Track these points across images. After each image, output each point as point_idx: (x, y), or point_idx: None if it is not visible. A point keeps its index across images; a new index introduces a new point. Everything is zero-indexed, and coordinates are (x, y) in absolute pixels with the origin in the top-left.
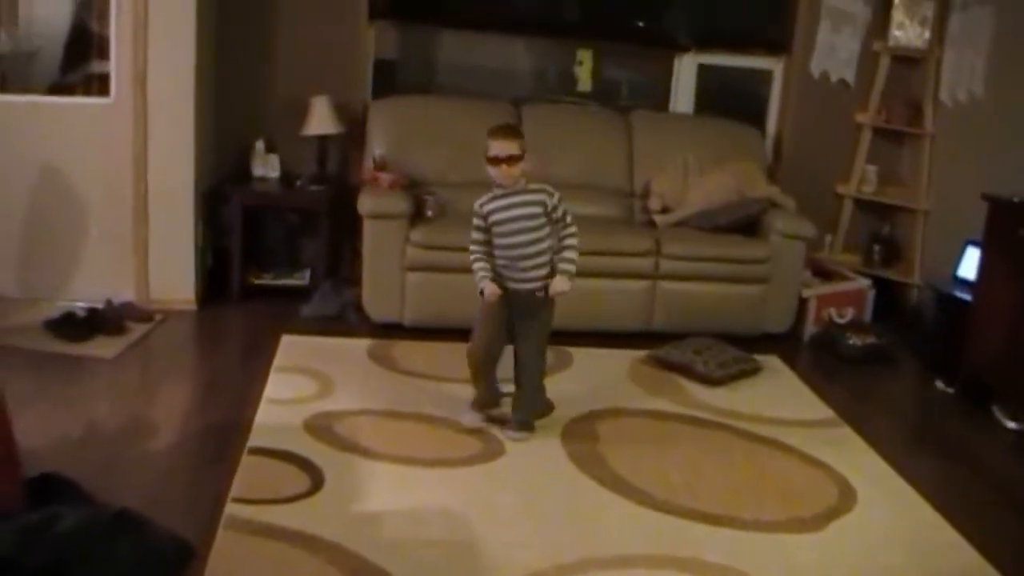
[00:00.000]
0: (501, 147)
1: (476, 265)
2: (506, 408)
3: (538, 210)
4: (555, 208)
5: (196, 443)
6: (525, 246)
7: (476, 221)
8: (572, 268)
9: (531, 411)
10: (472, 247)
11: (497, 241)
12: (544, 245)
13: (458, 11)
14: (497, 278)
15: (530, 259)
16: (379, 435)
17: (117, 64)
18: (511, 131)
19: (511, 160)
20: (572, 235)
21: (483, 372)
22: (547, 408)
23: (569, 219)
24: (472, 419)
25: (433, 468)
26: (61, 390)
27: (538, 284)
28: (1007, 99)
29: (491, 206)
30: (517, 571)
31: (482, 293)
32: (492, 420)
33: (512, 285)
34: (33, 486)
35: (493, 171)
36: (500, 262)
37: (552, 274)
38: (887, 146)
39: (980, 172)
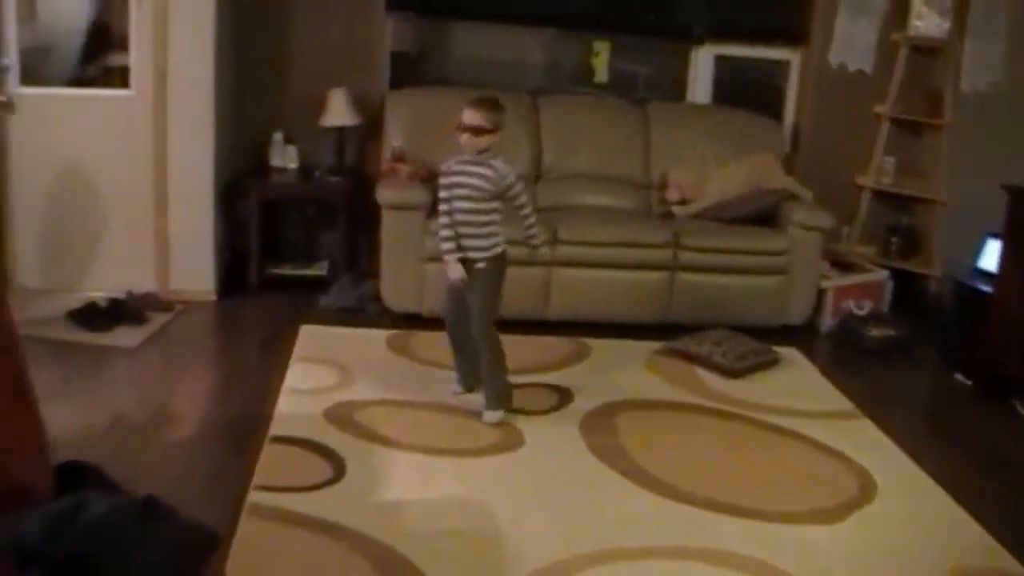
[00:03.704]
0: (469, 116)
1: (445, 242)
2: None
3: (483, 183)
4: (507, 187)
5: (218, 432)
6: (466, 213)
7: (440, 181)
8: (535, 232)
9: (492, 393)
10: (441, 216)
11: (449, 205)
12: (483, 218)
13: (474, 3)
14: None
15: (470, 227)
16: (399, 424)
17: (137, 57)
18: (485, 104)
19: (475, 131)
20: (523, 206)
21: (452, 350)
22: (505, 392)
23: (522, 199)
24: (490, 416)
25: (453, 457)
26: (85, 380)
27: (479, 255)
28: None
29: (450, 168)
30: (538, 561)
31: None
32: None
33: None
34: (59, 474)
35: (460, 137)
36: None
37: (494, 249)
38: (905, 137)
39: (1001, 162)
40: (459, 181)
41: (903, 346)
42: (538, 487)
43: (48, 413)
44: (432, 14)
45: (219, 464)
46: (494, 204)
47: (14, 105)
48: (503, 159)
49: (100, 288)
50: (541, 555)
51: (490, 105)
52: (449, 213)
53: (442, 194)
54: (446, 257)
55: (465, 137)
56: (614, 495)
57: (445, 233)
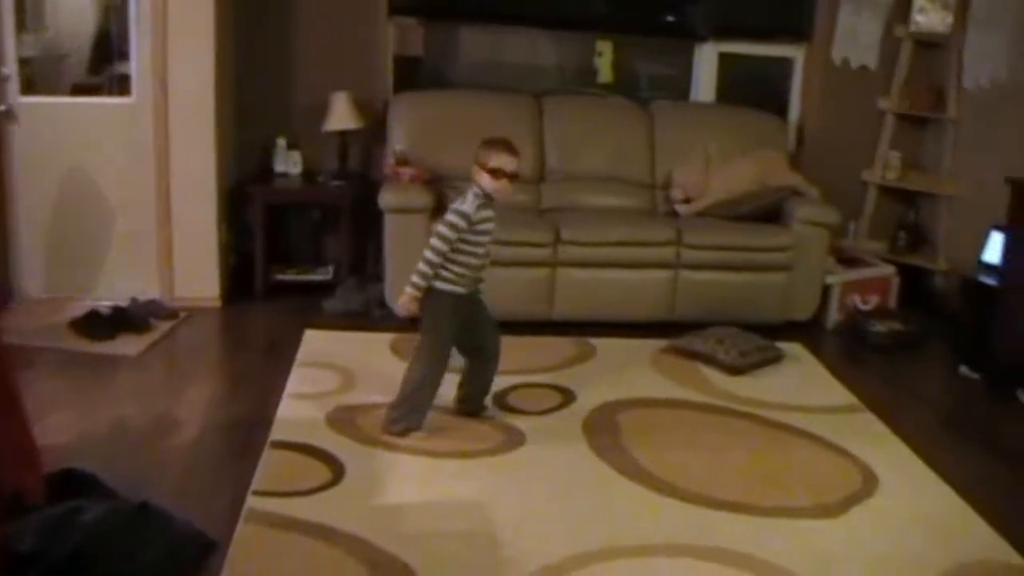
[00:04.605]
0: (510, 162)
1: (422, 278)
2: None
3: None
4: None
5: (220, 438)
6: (487, 256)
7: (460, 224)
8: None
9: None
10: (435, 254)
11: (470, 248)
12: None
13: (475, 6)
14: (454, 284)
15: (482, 270)
16: None
17: (138, 64)
18: (515, 148)
19: (512, 177)
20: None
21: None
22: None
23: None
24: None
25: (454, 459)
26: (86, 388)
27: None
28: None
29: (483, 213)
30: (537, 561)
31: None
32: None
33: (467, 289)
34: (54, 481)
35: (492, 183)
36: (463, 270)
37: None
38: (910, 132)
39: (1005, 156)
40: (490, 228)
41: (910, 341)
42: (538, 487)
43: (50, 422)
44: (434, 17)
45: (219, 470)
46: None
47: (15, 114)
48: None
49: (104, 296)
50: (539, 555)
51: (516, 149)
52: (474, 255)
53: (472, 237)
54: (414, 290)
55: (504, 183)
56: (614, 494)
57: (429, 271)
